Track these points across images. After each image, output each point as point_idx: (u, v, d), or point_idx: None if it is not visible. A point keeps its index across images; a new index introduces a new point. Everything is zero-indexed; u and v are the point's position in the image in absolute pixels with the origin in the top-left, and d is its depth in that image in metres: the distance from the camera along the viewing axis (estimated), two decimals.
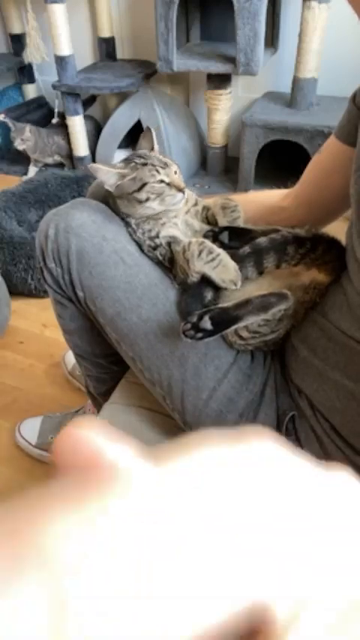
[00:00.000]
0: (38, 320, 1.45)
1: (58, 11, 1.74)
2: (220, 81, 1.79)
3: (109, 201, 0.70)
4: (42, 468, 1.05)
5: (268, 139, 1.75)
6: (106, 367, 0.84)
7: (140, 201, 0.65)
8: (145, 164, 0.66)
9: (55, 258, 0.68)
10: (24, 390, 1.25)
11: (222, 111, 1.88)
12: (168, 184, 0.65)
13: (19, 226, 1.61)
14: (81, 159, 2.07)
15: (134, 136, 1.98)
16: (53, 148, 2.12)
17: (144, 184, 0.65)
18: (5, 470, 1.05)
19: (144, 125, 1.91)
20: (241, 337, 0.62)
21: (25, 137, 2.02)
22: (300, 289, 0.62)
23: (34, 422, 1.08)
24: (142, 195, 0.65)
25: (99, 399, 0.91)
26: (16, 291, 1.49)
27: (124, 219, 0.69)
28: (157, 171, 0.65)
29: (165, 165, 0.66)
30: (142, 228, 0.67)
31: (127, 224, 0.69)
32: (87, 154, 2.07)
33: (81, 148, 2.05)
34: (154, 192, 0.64)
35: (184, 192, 0.66)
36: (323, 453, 0.56)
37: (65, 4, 1.74)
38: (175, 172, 0.67)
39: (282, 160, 1.80)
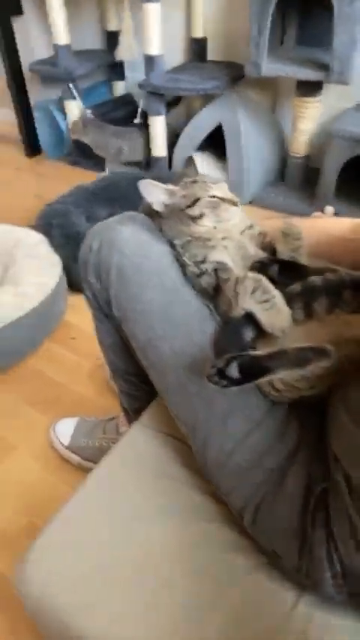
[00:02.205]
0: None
1: (152, 10, 1.74)
2: (310, 88, 1.69)
3: (155, 223, 0.67)
4: (69, 470, 1.05)
5: (355, 152, 1.63)
6: (138, 385, 0.81)
7: (194, 218, 0.62)
8: (195, 182, 0.63)
9: (95, 273, 0.66)
10: (67, 387, 1.26)
11: (309, 119, 1.78)
12: (221, 199, 0.62)
13: (87, 222, 1.63)
14: (159, 159, 2.07)
15: (214, 139, 1.94)
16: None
17: (197, 199, 0.62)
18: (36, 466, 1.07)
19: (225, 129, 1.85)
20: (275, 389, 0.55)
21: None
22: (351, 342, 0.54)
23: (69, 423, 1.08)
24: (196, 211, 0.62)
25: (131, 414, 0.89)
26: (75, 286, 1.51)
27: (170, 241, 0.65)
28: (210, 186, 0.62)
29: (216, 182, 0.63)
30: (188, 252, 0.63)
31: (173, 246, 0.65)
32: (165, 154, 2.06)
33: (160, 148, 2.04)
34: (209, 207, 0.62)
35: (238, 206, 0.63)
36: (353, 537, 0.48)
37: (160, 4, 1.73)
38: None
39: None
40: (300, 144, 1.84)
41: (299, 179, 1.93)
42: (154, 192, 0.64)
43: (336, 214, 1.86)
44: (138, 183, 0.63)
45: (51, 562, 0.60)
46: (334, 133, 1.63)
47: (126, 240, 0.64)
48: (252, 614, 0.55)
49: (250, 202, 1.94)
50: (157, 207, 0.64)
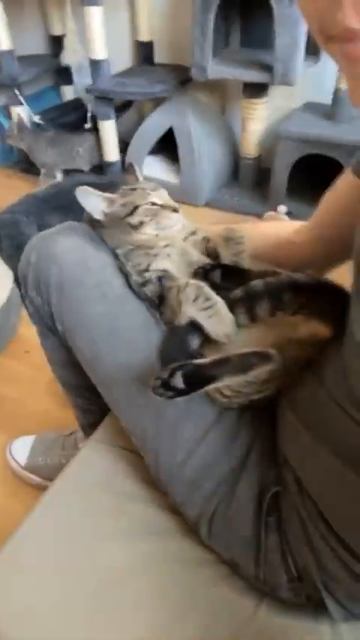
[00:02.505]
0: None
1: (95, 14, 1.71)
2: (256, 90, 1.71)
3: (97, 232, 0.65)
4: (29, 492, 1.01)
5: (303, 152, 1.66)
6: (92, 399, 0.79)
7: (134, 227, 0.61)
8: (134, 189, 0.61)
9: (35, 287, 0.63)
10: (24, 403, 1.22)
11: (257, 120, 1.80)
12: (161, 206, 0.61)
13: (38, 231, 1.59)
14: (111, 164, 2.04)
15: (166, 143, 1.93)
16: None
17: (136, 207, 0.61)
18: None
19: (175, 133, 1.85)
20: (223, 395, 0.54)
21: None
22: (296, 343, 0.54)
23: (26, 441, 1.04)
24: (135, 219, 0.61)
25: (87, 429, 0.86)
26: None
27: (112, 250, 0.63)
28: (148, 193, 0.61)
29: (155, 188, 0.62)
30: (131, 261, 0.62)
31: (116, 256, 0.63)
32: (117, 159, 2.04)
33: (111, 153, 2.02)
34: (148, 215, 0.60)
35: (178, 212, 0.62)
36: (305, 539, 0.48)
37: (103, 7, 1.71)
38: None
39: (325, 175, 1.70)
40: (250, 145, 1.86)
41: (252, 180, 1.95)
42: (92, 201, 0.62)
43: (289, 213, 1.89)
44: (75, 191, 0.61)
45: (1, 593, 0.57)
46: (281, 134, 1.66)
47: (65, 251, 0.62)
48: (216, 627, 0.54)
49: (205, 204, 1.94)
50: (96, 215, 0.63)
